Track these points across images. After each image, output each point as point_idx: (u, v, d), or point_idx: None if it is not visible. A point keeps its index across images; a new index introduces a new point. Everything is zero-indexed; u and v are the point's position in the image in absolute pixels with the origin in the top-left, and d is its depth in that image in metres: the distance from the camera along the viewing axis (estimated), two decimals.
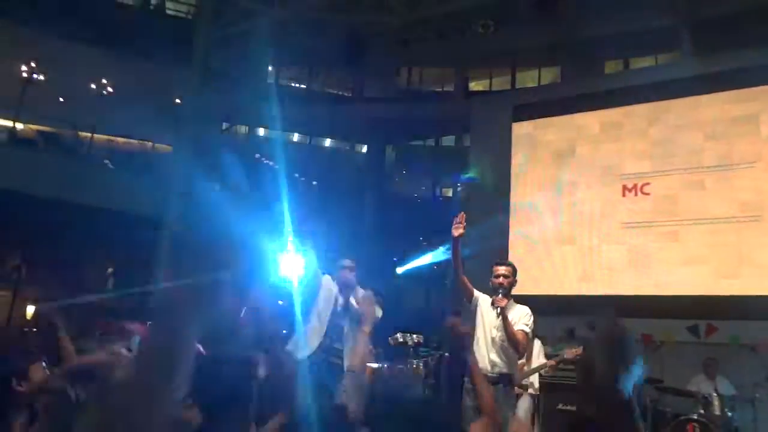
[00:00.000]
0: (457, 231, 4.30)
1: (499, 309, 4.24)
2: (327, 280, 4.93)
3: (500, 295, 4.29)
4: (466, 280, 4.47)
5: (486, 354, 4.32)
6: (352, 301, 4.70)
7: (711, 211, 8.52)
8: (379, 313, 4.74)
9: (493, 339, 4.33)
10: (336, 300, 4.84)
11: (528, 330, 4.38)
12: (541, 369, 5.84)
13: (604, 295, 8.84)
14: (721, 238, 8.33)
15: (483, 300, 4.47)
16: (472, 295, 4.51)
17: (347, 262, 4.88)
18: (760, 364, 6.49)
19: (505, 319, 4.23)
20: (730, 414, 6.91)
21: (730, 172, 8.52)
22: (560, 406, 7.55)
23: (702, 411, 6.83)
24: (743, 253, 8.15)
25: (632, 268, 8.83)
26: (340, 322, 4.74)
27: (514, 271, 4.52)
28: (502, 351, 4.32)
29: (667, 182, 8.92)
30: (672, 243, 8.65)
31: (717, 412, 6.82)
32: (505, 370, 4.33)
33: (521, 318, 4.36)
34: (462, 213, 4.35)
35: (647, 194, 9.02)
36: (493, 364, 4.30)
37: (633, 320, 8.32)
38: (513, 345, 4.27)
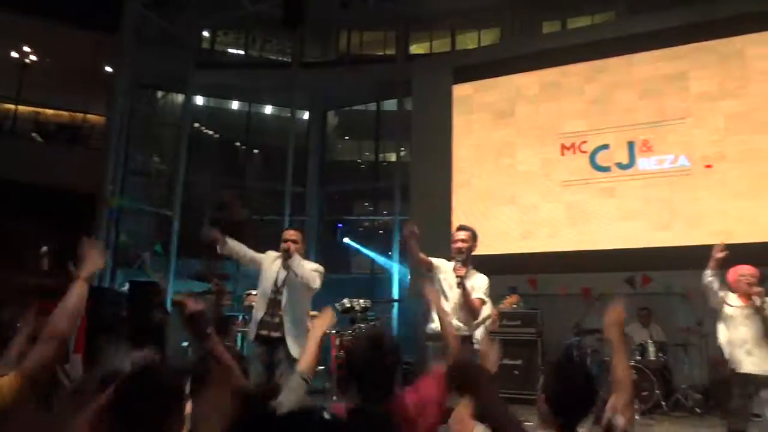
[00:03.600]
0: (411, 240, 4.39)
1: (459, 279, 4.38)
2: (269, 255, 4.90)
3: (459, 264, 4.43)
4: (422, 257, 4.57)
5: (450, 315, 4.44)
6: (297, 270, 4.66)
7: (644, 166, 8.81)
8: (317, 284, 4.71)
9: (456, 303, 4.48)
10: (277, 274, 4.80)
11: (485, 298, 4.58)
12: (485, 321, 5.98)
13: (544, 252, 9.08)
14: (654, 193, 8.64)
15: (443, 266, 4.60)
16: (431, 265, 4.63)
17: (285, 234, 4.85)
18: (691, 310, 6.82)
19: (464, 289, 4.39)
20: (664, 358, 7.30)
21: (662, 128, 8.80)
22: (505, 361, 7.81)
23: (639, 357, 7.20)
24: (675, 206, 8.48)
25: (571, 225, 9.08)
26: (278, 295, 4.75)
27: (474, 236, 4.63)
28: (463, 313, 4.48)
29: (604, 140, 9.15)
30: (609, 199, 8.92)
31: (652, 357, 7.20)
32: (467, 333, 4.50)
33: (480, 287, 4.54)
34: (414, 227, 4.42)
35: (585, 152, 9.24)
36: (456, 328, 4.38)
37: (573, 275, 8.64)
38: (469, 312, 4.47)
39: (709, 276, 4.73)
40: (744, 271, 4.77)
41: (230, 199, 4.82)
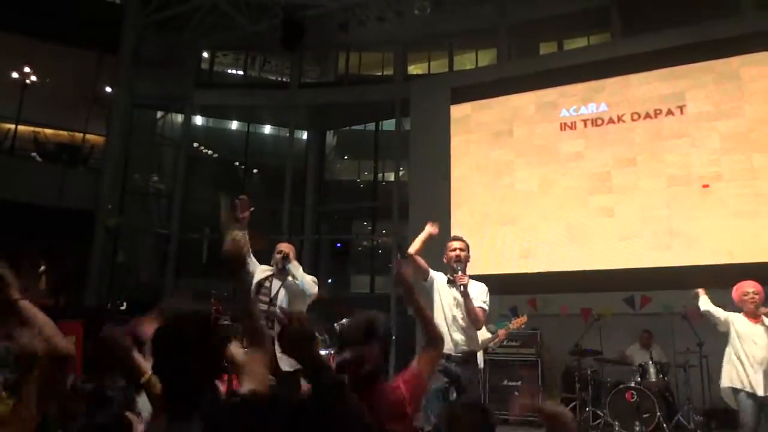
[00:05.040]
0: (435, 230, 4.44)
1: (462, 287, 4.17)
2: (261, 267, 4.81)
3: (460, 272, 4.24)
4: (419, 261, 4.37)
5: (448, 333, 4.20)
6: (295, 272, 4.59)
7: (642, 186, 8.82)
8: (314, 289, 4.64)
9: (454, 318, 4.26)
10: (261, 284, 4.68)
11: (486, 307, 4.33)
12: (492, 340, 5.94)
13: (543, 272, 9.06)
14: (652, 213, 8.65)
15: (439, 279, 4.40)
16: (428, 273, 4.41)
17: (279, 246, 4.78)
18: (691, 331, 6.77)
19: (467, 297, 4.17)
20: (665, 379, 7.24)
21: (659, 148, 8.83)
22: (505, 382, 7.77)
23: (639, 379, 7.14)
24: (673, 225, 8.48)
25: (570, 245, 9.06)
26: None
27: (468, 247, 4.47)
28: (463, 330, 4.26)
29: (602, 160, 9.17)
30: (607, 219, 8.92)
31: (653, 378, 7.13)
32: (467, 348, 4.28)
33: (479, 295, 4.31)
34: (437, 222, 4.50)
35: (583, 172, 9.25)
36: (456, 344, 4.22)
37: (572, 295, 8.61)
38: (473, 322, 4.24)
39: (702, 304, 4.87)
40: (747, 289, 4.70)
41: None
